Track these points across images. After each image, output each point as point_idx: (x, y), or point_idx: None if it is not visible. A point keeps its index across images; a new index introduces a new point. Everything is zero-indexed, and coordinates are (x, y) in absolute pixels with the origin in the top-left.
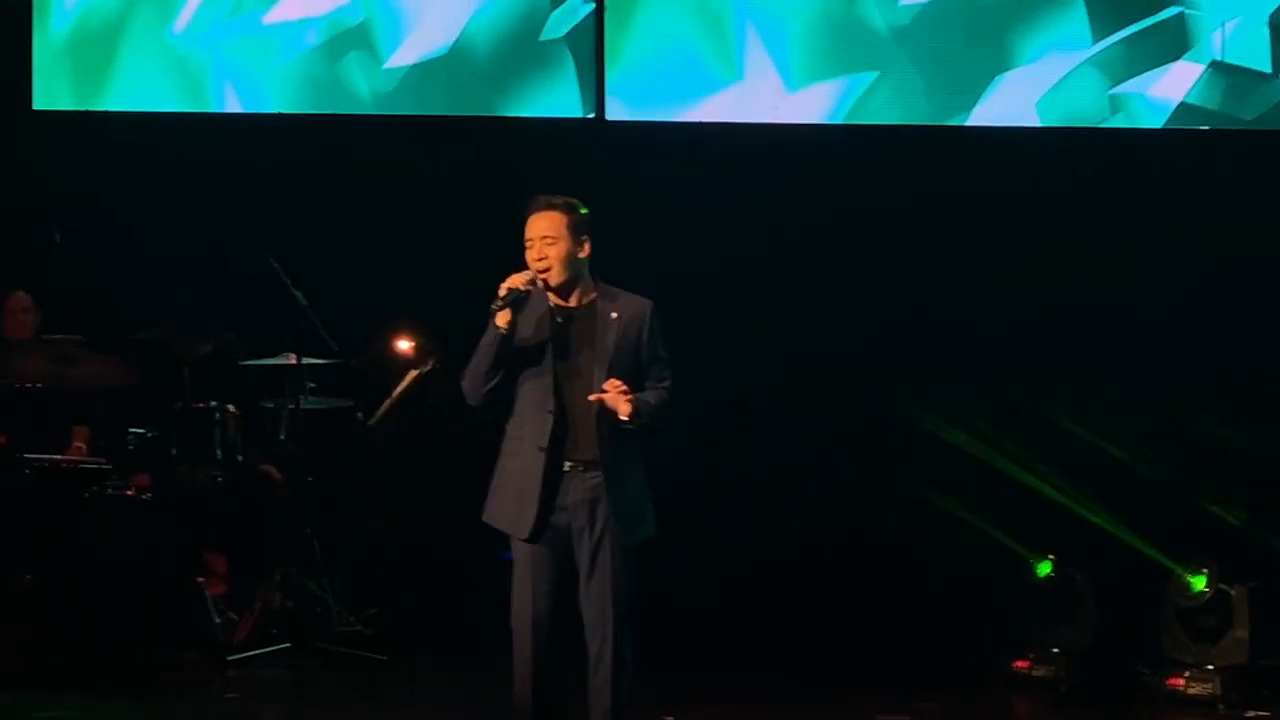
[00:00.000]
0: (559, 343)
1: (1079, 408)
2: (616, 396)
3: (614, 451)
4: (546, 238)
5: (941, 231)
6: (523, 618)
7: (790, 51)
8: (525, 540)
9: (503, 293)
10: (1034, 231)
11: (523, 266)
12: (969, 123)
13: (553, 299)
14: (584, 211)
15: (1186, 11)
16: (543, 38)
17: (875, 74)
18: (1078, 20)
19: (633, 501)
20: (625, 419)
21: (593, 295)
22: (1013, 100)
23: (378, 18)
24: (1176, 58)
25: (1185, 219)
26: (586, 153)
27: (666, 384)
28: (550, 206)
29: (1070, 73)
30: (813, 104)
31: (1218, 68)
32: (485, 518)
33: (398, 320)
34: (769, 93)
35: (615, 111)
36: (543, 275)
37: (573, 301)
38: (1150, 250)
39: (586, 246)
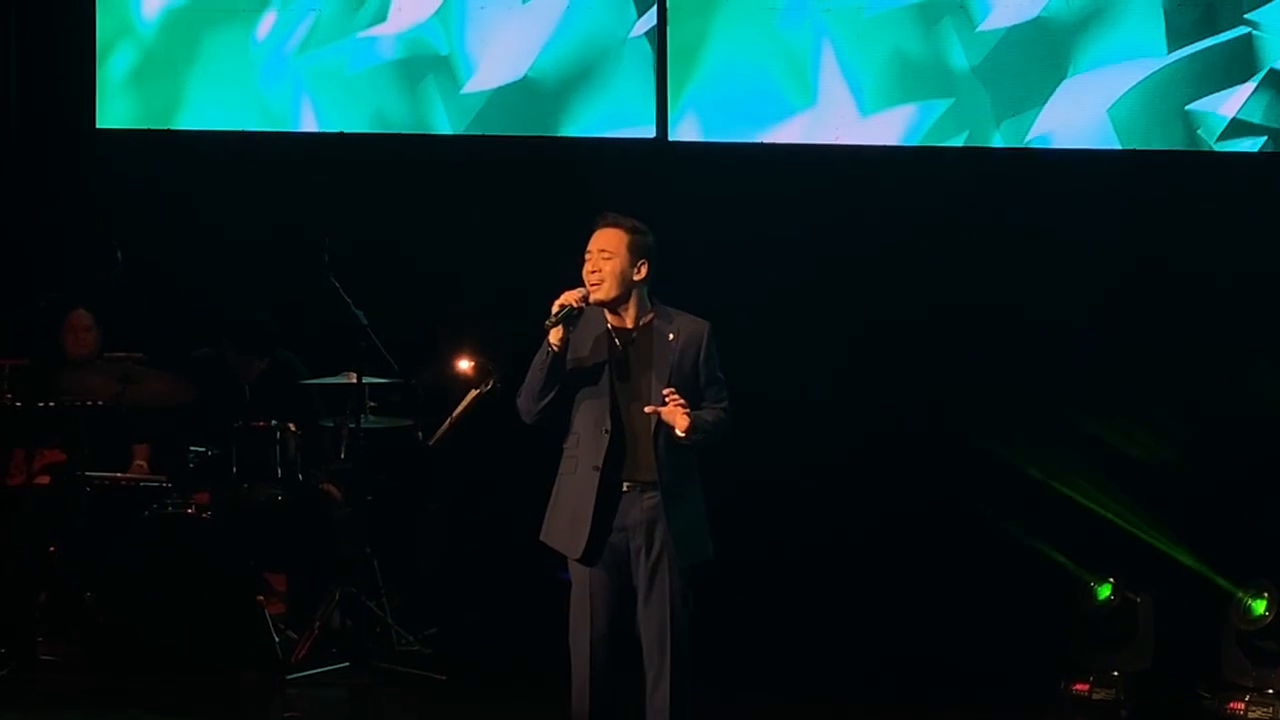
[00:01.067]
0: (617, 363)
1: (1138, 428)
2: (674, 410)
3: (671, 472)
4: (604, 251)
5: (1006, 250)
6: (580, 638)
7: (865, 79)
8: (579, 560)
9: (555, 309)
10: (1098, 249)
11: (579, 284)
12: (1034, 134)
13: (610, 320)
14: (648, 236)
15: (1254, 33)
16: (618, 59)
17: (950, 101)
18: (1153, 38)
19: (690, 523)
20: (681, 434)
21: (650, 316)
22: (1083, 114)
23: (457, 43)
24: (1247, 78)
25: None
26: (648, 173)
27: (724, 404)
28: (614, 224)
29: (1140, 86)
30: (885, 130)
31: (1274, 80)
32: (542, 537)
33: (458, 340)
34: (841, 120)
35: (687, 133)
36: (593, 288)
37: (629, 322)
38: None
39: (644, 269)
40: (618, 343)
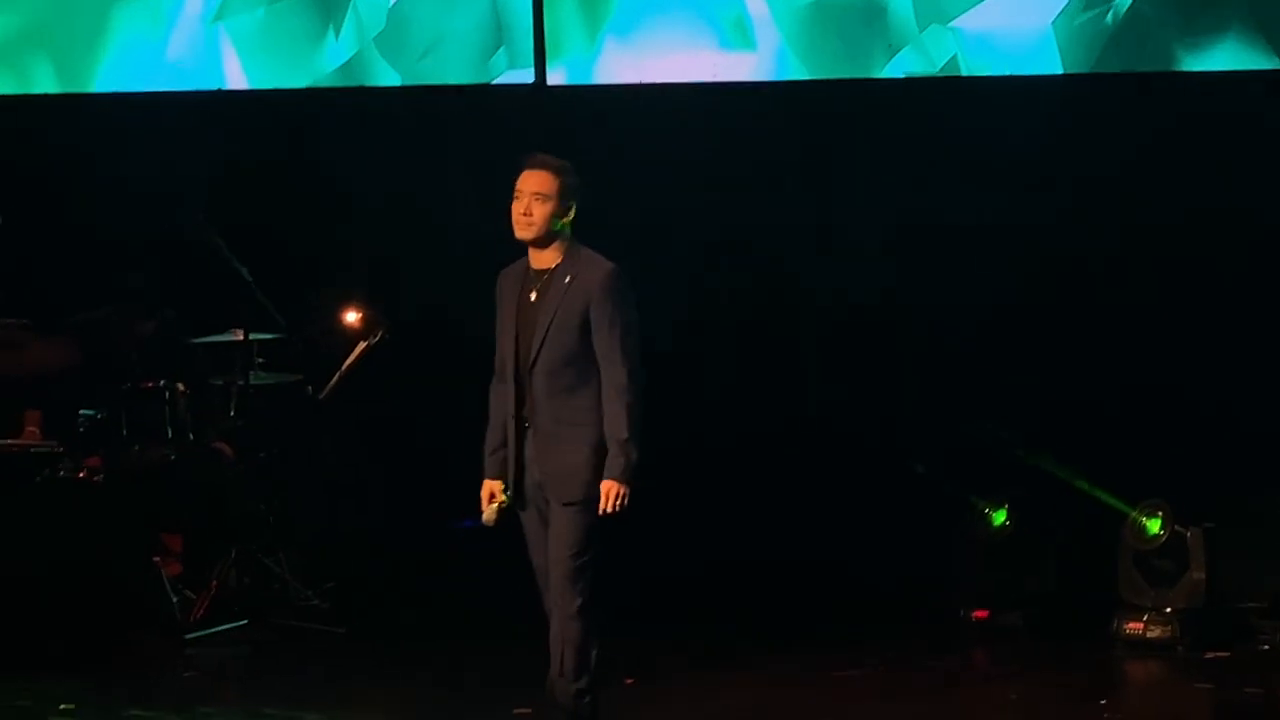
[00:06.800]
0: (524, 305)
1: (1028, 353)
2: (614, 505)
3: (549, 414)
4: (538, 194)
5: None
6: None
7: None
8: (519, 509)
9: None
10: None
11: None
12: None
13: (532, 262)
14: (576, 177)
15: None
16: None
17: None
18: None
19: (575, 461)
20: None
21: (561, 258)
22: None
23: None
24: None
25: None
26: (528, 119)
27: (615, 376)
28: (545, 165)
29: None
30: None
31: None
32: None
33: (345, 292)
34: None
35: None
36: (523, 228)
37: (546, 263)
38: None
39: (572, 211)
40: (531, 285)
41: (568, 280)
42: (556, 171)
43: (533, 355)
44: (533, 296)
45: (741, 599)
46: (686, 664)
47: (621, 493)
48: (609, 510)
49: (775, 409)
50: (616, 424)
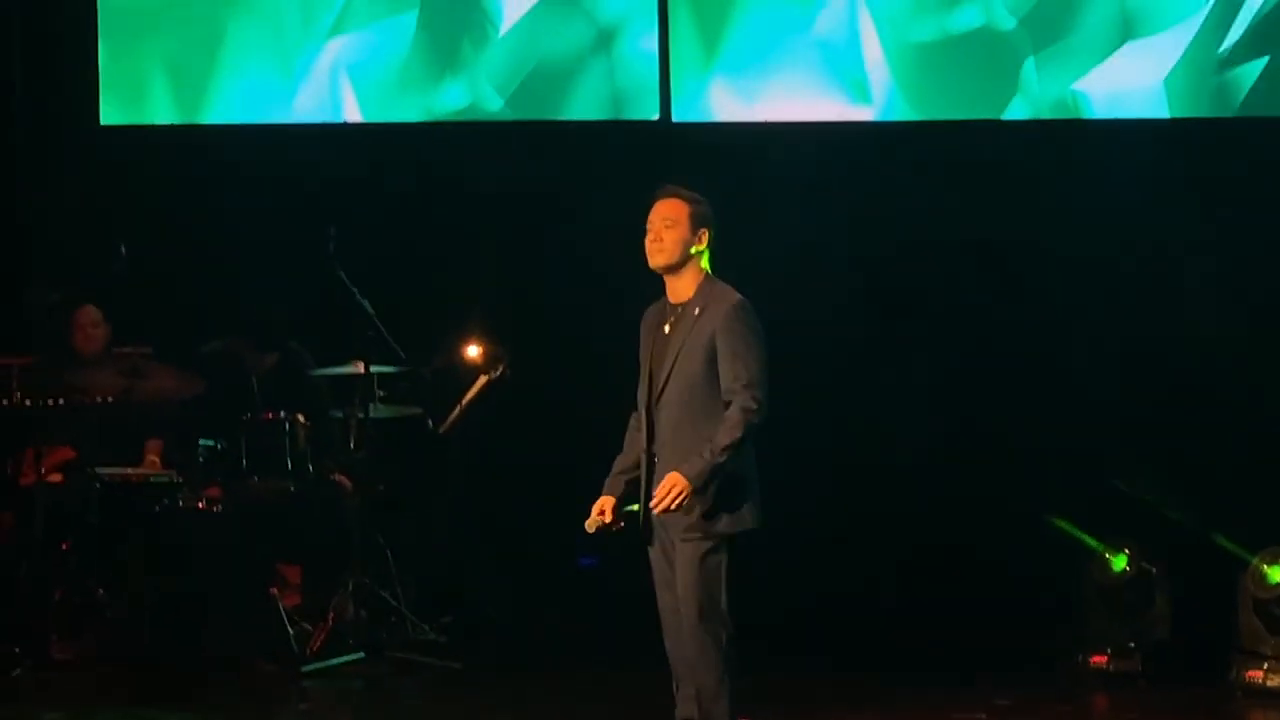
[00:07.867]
0: (658, 338)
1: (1151, 397)
2: (668, 500)
3: (682, 444)
4: (666, 220)
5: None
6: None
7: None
8: (646, 544)
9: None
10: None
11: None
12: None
13: (668, 294)
14: (708, 207)
15: None
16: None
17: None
18: None
19: (712, 495)
20: (691, 496)
21: (694, 291)
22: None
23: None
24: None
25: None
26: (652, 155)
27: (742, 400)
28: (674, 194)
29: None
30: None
31: None
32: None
33: (466, 326)
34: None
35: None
36: (655, 255)
37: (680, 296)
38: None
39: (704, 238)
40: (667, 318)
41: (697, 312)
42: (686, 200)
43: (660, 387)
44: (666, 329)
45: (865, 639)
46: (809, 702)
47: (681, 489)
48: (661, 501)
49: (904, 451)
50: (716, 441)
